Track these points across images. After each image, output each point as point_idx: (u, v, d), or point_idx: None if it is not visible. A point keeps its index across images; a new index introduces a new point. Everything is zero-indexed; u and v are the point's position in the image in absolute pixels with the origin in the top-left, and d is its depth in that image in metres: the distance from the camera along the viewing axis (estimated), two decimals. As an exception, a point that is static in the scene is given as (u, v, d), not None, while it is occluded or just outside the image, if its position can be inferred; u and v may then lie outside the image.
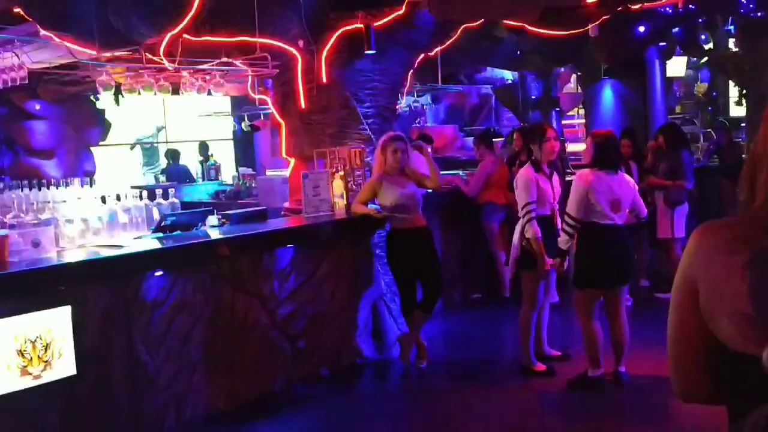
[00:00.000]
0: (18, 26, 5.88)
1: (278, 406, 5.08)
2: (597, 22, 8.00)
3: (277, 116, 6.70)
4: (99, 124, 10.36)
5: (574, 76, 13.93)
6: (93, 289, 4.22)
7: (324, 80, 6.29)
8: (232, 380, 4.94)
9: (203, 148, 12.24)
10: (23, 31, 5.85)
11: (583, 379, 5.15)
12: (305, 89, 6.36)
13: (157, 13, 5.13)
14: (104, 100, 9.08)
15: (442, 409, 5.08)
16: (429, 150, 6.80)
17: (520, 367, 5.50)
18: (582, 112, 13.68)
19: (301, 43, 6.22)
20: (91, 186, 5.82)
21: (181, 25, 5.27)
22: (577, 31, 8.03)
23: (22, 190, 5.22)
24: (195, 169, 12.07)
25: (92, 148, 10.37)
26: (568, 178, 5.92)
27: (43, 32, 5.35)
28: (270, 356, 5.21)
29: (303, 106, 6.40)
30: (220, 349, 4.86)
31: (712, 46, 12.89)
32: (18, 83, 5.94)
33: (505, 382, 5.44)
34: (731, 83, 15.59)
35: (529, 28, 7.69)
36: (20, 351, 3.83)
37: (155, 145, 12.97)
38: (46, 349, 3.93)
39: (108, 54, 5.72)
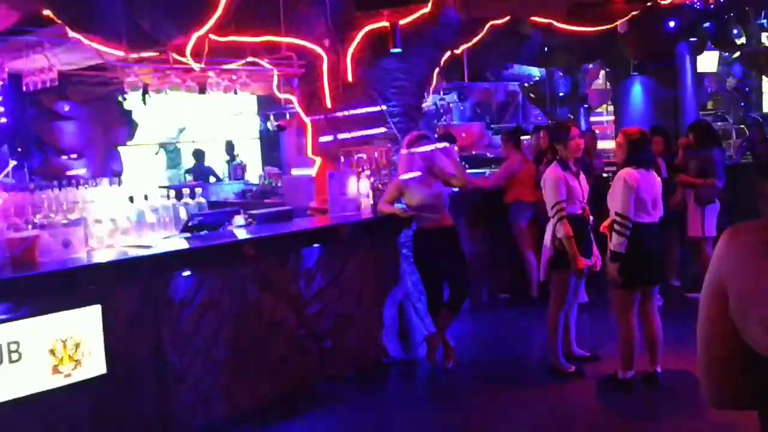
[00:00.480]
0: (47, 28, 5.94)
1: (305, 405, 5.08)
2: (626, 18, 7.91)
3: (303, 115, 6.71)
4: (126, 124, 10.46)
5: (602, 72, 13.80)
6: (122, 289, 4.26)
7: (349, 79, 6.29)
8: (259, 380, 4.95)
9: (229, 147, 12.31)
10: (52, 33, 5.92)
11: (614, 381, 5.09)
12: (331, 88, 6.36)
13: (184, 14, 5.16)
14: (131, 101, 9.17)
15: (468, 410, 5.06)
16: (454, 149, 6.77)
17: (549, 368, 5.45)
18: (611, 108, 13.54)
19: (326, 42, 6.23)
20: (119, 186, 5.87)
21: (208, 25, 5.30)
22: (605, 27, 7.94)
23: (51, 191, 5.28)
24: (221, 168, 12.14)
25: (120, 148, 10.47)
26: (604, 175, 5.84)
27: (71, 34, 5.40)
28: (296, 356, 5.21)
29: (329, 105, 6.40)
30: (247, 349, 4.88)
31: (744, 41, 12.67)
32: (48, 85, 6.02)
33: (534, 384, 5.39)
34: (764, 78, 15.33)
35: (557, 25, 7.62)
36: (51, 350, 3.87)
37: (178, 146, 13.07)
38: (76, 348, 3.97)
39: (136, 55, 5.77)
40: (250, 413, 4.86)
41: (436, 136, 8.23)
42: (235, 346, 4.80)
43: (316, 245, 5.39)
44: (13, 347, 3.75)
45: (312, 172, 7.10)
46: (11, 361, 3.75)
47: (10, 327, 3.75)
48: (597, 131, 11.30)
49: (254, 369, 4.92)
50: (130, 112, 10.33)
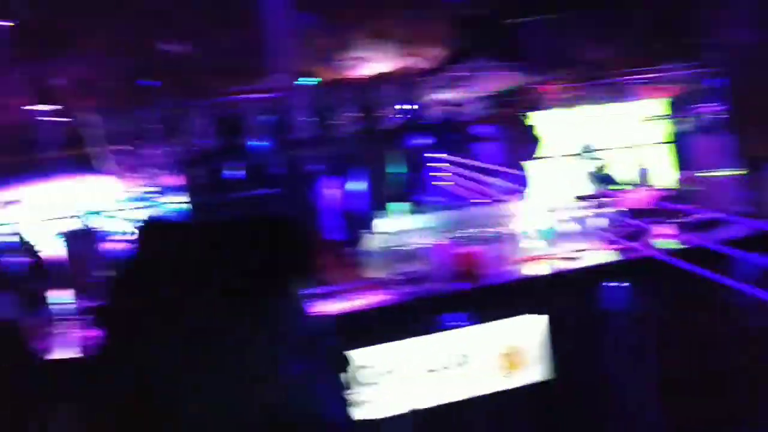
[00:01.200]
0: (470, 61, 6.52)
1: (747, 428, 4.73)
2: None
3: (729, 115, 6.32)
4: (532, 140, 10.88)
5: None
6: (560, 299, 4.46)
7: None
8: (697, 396, 4.72)
9: (639, 153, 12.02)
10: (473, 66, 6.47)
11: None
12: (756, 86, 5.90)
13: (603, 31, 5.25)
14: (535, 117, 9.50)
15: None
16: None
17: None
18: None
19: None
20: (535, 200, 6.13)
21: (623, 40, 5.31)
22: None
23: (474, 208, 5.73)
24: (630, 175, 11.89)
25: (529, 163, 10.91)
26: None
27: (495, 64, 5.85)
28: (736, 373, 4.86)
29: (755, 102, 5.94)
30: (683, 363, 4.69)
31: None
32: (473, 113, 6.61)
33: None
34: None
35: None
36: (501, 355, 4.24)
37: (588, 157, 13.12)
38: (521, 355, 4.27)
39: (552, 76, 6.03)
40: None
41: None
42: (671, 361, 4.66)
43: (756, 253, 4.99)
44: (463, 353, 4.19)
45: (732, 172, 6.64)
46: (458, 365, 4.19)
47: (461, 334, 4.19)
48: None
49: (692, 385, 4.71)
50: (535, 128, 10.72)
